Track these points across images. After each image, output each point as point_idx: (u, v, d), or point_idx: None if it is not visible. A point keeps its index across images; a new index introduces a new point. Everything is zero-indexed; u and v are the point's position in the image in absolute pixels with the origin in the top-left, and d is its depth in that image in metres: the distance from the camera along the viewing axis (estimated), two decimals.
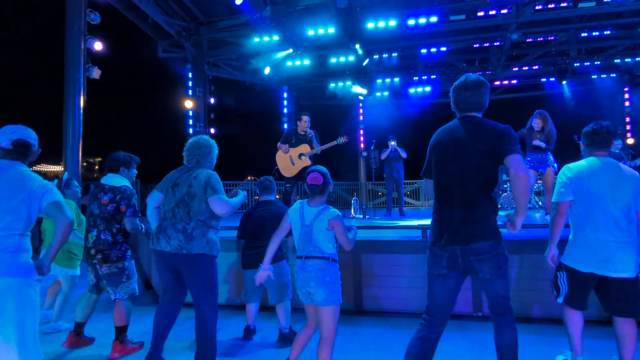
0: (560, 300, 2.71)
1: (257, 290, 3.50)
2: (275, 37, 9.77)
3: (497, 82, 13.75)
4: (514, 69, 12.95)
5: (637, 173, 2.60)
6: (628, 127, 13.48)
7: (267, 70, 12.07)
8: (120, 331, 3.23)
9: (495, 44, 11.93)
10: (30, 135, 2.19)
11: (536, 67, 12.95)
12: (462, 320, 3.91)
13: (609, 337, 2.80)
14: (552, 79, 13.01)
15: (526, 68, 12.96)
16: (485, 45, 12.21)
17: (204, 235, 2.67)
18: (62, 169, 7.49)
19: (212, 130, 12.05)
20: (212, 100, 12.24)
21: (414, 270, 4.12)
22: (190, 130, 11.57)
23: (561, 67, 11.84)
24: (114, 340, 3.22)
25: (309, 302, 2.48)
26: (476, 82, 2.27)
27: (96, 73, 7.86)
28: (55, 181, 4.11)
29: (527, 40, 11.72)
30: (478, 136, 2.16)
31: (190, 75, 11.74)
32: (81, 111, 7.56)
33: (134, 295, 3.30)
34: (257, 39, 9.91)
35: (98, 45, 7.92)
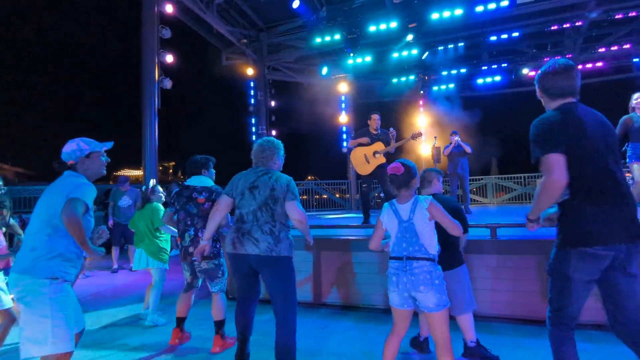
0: None
1: None
2: (337, 36, 9.79)
3: (579, 66, 12.57)
4: (601, 50, 11.67)
5: None
6: None
7: (324, 71, 12.19)
8: (220, 325, 3.41)
9: (568, 25, 10.86)
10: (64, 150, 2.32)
11: (626, 46, 11.52)
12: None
13: None
14: None
15: (615, 48, 11.61)
16: (559, 27, 11.17)
17: (287, 237, 2.72)
18: (142, 172, 8.19)
19: (274, 132, 12.45)
20: (272, 103, 12.66)
21: (480, 271, 3.92)
22: (253, 133, 12.05)
23: None
24: (215, 335, 3.40)
25: (406, 307, 2.35)
26: (568, 65, 2.11)
27: (168, 84, 8.48)
28: (144, 187, 4.56)
29: (614, 17, 10.45)
30: (610, 128, 2.01)
31: (251, 80, 12.24)
32: (157, 120, 8.21)
33: (224, 290, 3.51)
34: (318, 39, 9.99)
35: (169, 58, 8.55)
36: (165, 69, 8.60)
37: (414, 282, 2.24)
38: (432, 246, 2.32)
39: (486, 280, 3.93)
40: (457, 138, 7.73)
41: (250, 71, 12.18)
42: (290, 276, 2.73)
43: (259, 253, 2.63)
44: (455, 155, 7.82)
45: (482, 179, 13.04)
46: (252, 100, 12.17)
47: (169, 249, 4.34)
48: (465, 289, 2.91)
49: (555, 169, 1.86)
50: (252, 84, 12.24)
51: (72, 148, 2.29)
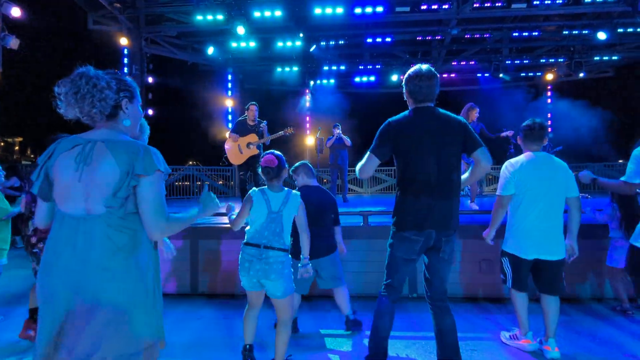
0: (508, 284, 2.97)
1: (307, 281, 3.22)
2: (220, 17, 9.34)
3: (444, 75, 14.45)
4: (453, 63, 13.59)
5: (565, 164, 2.89)
6: (549, 122, 14.86)
7: (210, 51, 11.58)
8: (34, 311, 3.22)
9: (437, 38, 12.44)
10: None
11: (473, 62, 13.69)
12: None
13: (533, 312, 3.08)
14: (486, 75, 13.85)
15: (464, 63, 13.68)
16: (427, 38, 12.69)
17: None
18: None
19: (150, 112, 11.37)
20: (150, 80, 11.51)
21: (356, 254, 4.25)
22: None
23: (495, 64, 12.67)
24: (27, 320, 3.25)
25: (256, 289, 2.51)
26: (430, 73, 2.33)
27: (14, 43, 7.04)
28: None
29: (466, 36, 12.38)
30: (448, 128, 2.25)
31: (125, 51, 10.91)
32: None
33: None
34: (200, 17, 9.41)
35: (16, 12, 7.08)
36: (11, 25, 7.12)
37: (267, 270, 2.38)
38: (288, 238, 2.51)
39: (358, 264, 4.26)
40: (338, 131, 8.18)
41: (124, 41, 10.82)
42: None
43: None
44: (336, 148, 8.27)
45: None
46: (126, 70, 10.86)
47: (8, 240, 3.67)
48: (339, 269, 3.37)
49: (367, 165, 2.34)
50: (125, 56, 10.91)
51: None
